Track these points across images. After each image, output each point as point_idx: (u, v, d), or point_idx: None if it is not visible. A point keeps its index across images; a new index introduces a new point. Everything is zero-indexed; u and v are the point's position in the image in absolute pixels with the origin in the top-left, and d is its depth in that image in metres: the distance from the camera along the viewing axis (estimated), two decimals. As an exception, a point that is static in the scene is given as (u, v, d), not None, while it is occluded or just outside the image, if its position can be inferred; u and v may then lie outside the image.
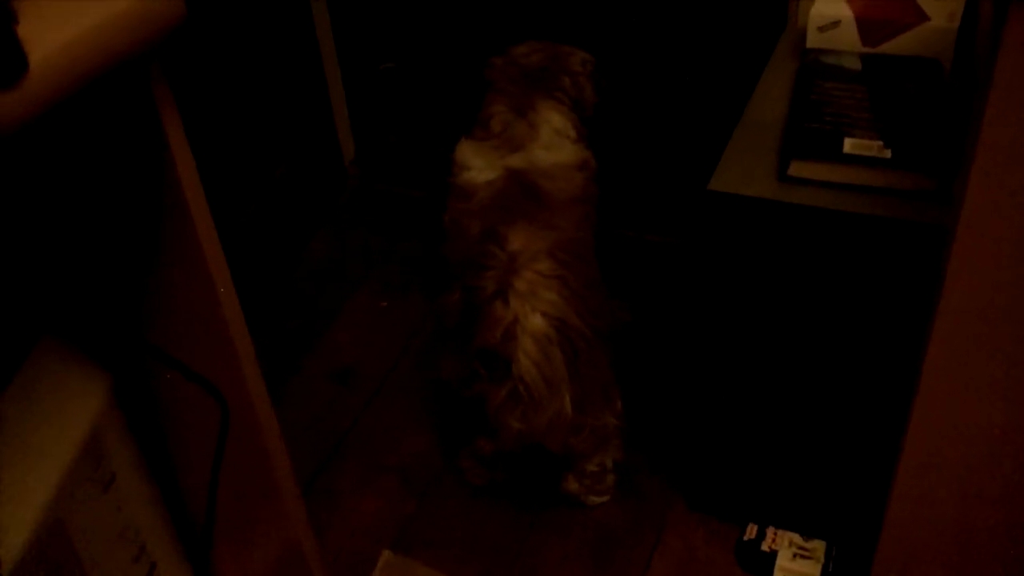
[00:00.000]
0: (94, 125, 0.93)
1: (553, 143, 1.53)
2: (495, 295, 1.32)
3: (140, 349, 1.08)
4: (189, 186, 0.94)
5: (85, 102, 0.88)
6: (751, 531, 1.54)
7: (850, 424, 1.40)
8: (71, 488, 1.01)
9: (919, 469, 1.13)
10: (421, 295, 2.03)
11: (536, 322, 1.30)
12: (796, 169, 1.30)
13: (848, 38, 1.47)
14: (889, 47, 1.45)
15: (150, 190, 0.94)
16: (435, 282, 1.62)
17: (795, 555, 1.50)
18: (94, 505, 1.07)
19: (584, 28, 1.89)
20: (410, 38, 2.16)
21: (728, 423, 1.49)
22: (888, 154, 1.26)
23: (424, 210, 2.12)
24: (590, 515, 1.62)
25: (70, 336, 1.10)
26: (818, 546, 1.51)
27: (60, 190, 1.00)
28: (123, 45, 0.74)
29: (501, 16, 2.01)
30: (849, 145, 1.28)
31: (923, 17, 1.43)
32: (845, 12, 1.46)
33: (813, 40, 1.49)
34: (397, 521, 1.63)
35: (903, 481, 1.15)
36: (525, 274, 1.32)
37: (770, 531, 1.53)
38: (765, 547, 1.51)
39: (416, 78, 2.21)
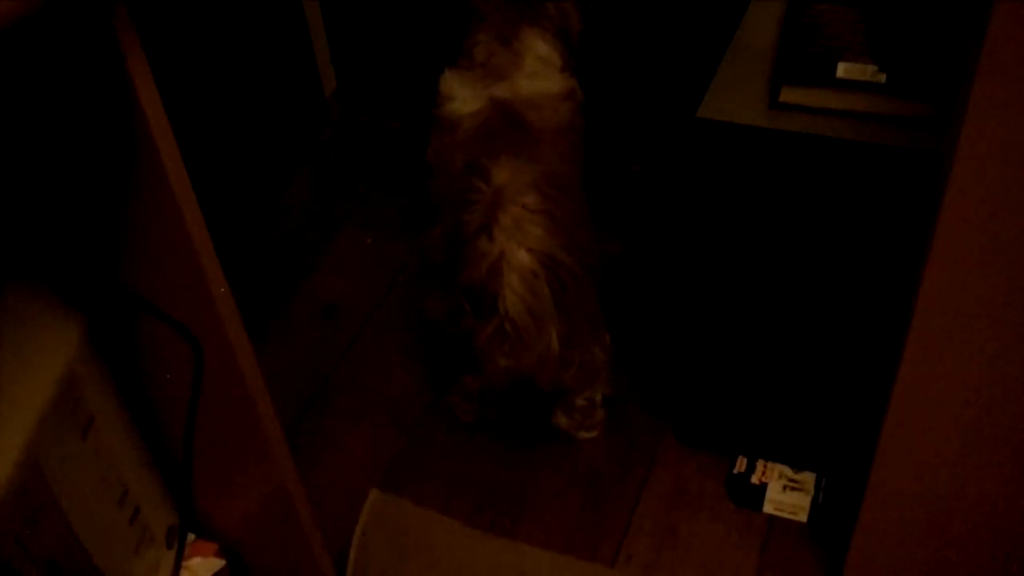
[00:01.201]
0: (60, 65, 0.89)
1: (538, 72, 1.48)
2: (480, 230, 1.29)
3: (113, 291, 1.05)
4: (156, 126, 0.91)
5: (45, 38, 0.84)
6: (741, 464, 1.53)
7: (842, 354, 1.38)
8: (48, 432, 0.99)
9: (912, 399, 1.11)
10: (407, 231, 2.00)
11: (522, 257, 1.28)
12: (788, 95, 1.26)
13: (842, -41, 1.42)
14: (884, -32, 1.41)
15: (120, 131, 0.91)
16: (421, 217, 1.59)
17: (785, 487, 1.49)
18: (73, 449, 1.05)
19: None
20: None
21: (718, 355, 1.48)
22: (883, 79, 1.23)
23: (409, 143, 2.08)
24: (580, 450, 1.61)
25: (42, 278, 1.07)
26: (808, 478, 1.50)
27: (29, 131, 0.97)
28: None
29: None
30: (843, 70, 1.25)
31: (919, -65, 1.39)
32: (838, -68, 1.42)
33: (805, -38, 1.44)
34: (386, 459, 1.62)
35: (896, 411, 1.14)
36: (510, 208, 1.29)
37: (760, 463, 1.53)
38: (755, 479, 1.51)
39: (399, 6, 2.15)
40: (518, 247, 1.28)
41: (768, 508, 1.48)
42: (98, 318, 1.09)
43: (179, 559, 1.22)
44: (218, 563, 1.24)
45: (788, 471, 1.51)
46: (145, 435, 1.19)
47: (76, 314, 1.07)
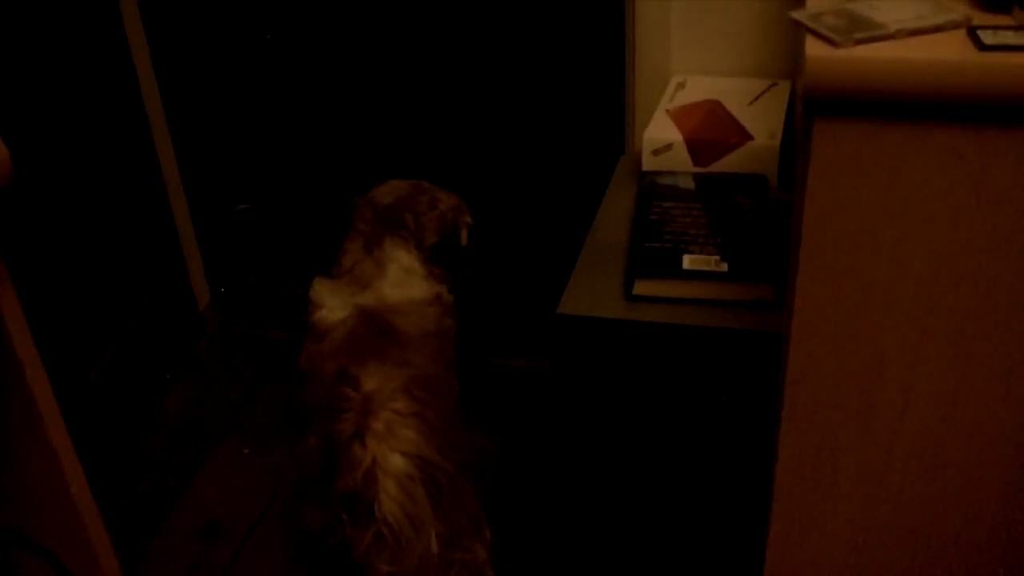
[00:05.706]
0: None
1: (401, 280, 1.53)
2: (352, 438, 1.30)
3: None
4: (22, 350, 0.91)
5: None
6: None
7: (720, 524, 1.41)
8: None
9: (784, 559, 1.13)
10: (286, 440, 1.99)
11: (396, 462, 1.29)
12: (641, 288, 1.33)
13: (681, 159, 1.53)
14: (719, 166, 1.52)
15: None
16: (297, 427, 1.59)
17: None
18: None
19: (437, 163, 1.92)
20: (264, 178, 2.16)
21: (603, 539, 1.49)
22: (725, 267, 1.31)
23: (285, 352, 2.09)
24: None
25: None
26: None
27: None
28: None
29: (358, 157, 2.03)
30: (688, 261, 1.33)
31: (747, 136, 1.51)
32: (676, 136, 1.53)
33: (648, 163, 1.55)
34: None
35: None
36: (381, 414, 1.31)
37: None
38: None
39: (273, 218, 2.20)
40: (391, 452, 1.30)
41: None
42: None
43: None
44: None
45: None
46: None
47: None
